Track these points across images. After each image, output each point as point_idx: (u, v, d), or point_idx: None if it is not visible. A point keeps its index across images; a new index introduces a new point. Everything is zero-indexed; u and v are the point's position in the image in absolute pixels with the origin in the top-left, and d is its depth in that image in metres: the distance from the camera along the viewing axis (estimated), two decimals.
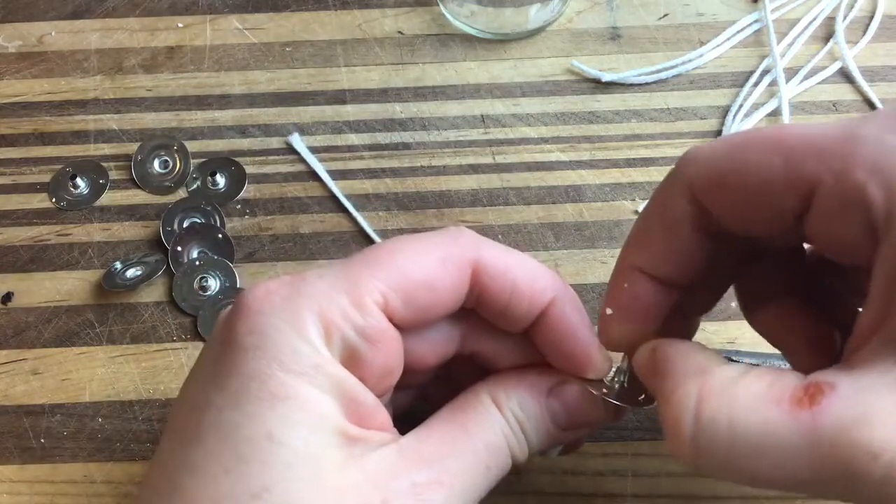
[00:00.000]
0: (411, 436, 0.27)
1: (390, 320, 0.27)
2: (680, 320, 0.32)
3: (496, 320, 0.30)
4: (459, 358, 0.31)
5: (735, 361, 0.28)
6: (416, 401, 0.33)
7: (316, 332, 0.26)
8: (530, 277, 0.29)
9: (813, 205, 0.26)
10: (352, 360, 0.26)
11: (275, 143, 0.46)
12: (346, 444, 0.25)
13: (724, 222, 0.28)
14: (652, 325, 0.31)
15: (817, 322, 0.30)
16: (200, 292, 0.42)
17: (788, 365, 0.36)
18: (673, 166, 0.30)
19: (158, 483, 0.26)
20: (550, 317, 0.29)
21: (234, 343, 0.26)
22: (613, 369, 0.31)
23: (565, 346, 0.30)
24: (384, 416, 0.27)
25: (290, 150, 0.46)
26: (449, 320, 0.30)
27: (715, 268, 0.31)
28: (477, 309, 0.30)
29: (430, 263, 0.28)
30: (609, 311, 0.31)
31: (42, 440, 0.39)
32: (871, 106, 0.46)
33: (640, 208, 0.43)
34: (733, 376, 0.25)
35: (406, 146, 0.46)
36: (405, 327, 0.28)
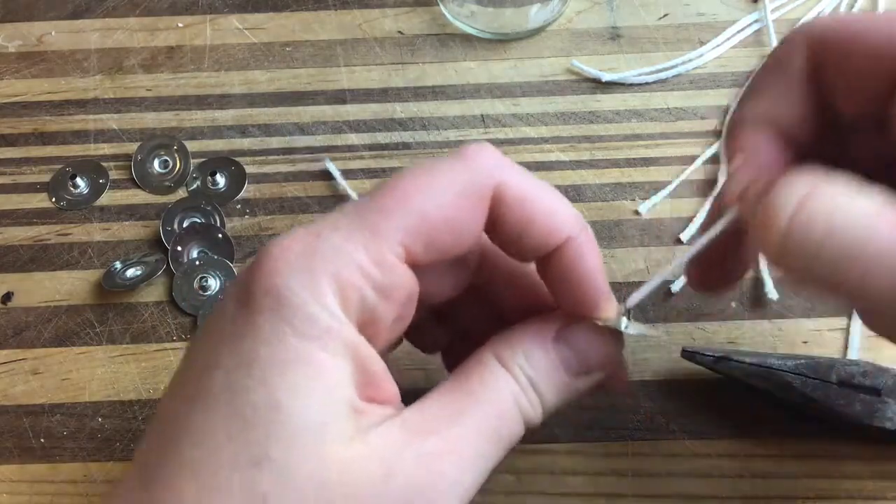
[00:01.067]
0: (415, 407, 0.27)
1: (409, 266, 0.26)
2: None
3: (506, 248, 0.29)
4: (470, 306, 0.31)
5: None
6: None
7: (332, 294, 0.25)
8: (549, 212, 0.28)
9: None
10: (368, 318, 0.26)
11: (275, 142, 0.46)
12: (353, 417, 0.25)
13: (831, 87, 0.29)
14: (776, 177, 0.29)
15: None
16: (200, 292, 0.42)
17: (789, 362, 0.36)
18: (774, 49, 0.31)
19: (159, 442, 0.25)
20: (564, 255, 0.29)
21: (248, 304, 0.25)
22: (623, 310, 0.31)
23: (577, 287, 0.29)
24: (392, 385, 0.27)
25: (291, 150, 0.46)
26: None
27: (822, 145, 0.31)
28: (489, 234, 0.29)
29: (450, 200, 0.27)
30: (739, 160, 0.30)
31: (42, 440, 0.39)
32: None
33: (641, 208, 0.43)
34: (846, 189, 0.25)
35: (406, 146, 0.46)
36: (423, 267, 0.27)
